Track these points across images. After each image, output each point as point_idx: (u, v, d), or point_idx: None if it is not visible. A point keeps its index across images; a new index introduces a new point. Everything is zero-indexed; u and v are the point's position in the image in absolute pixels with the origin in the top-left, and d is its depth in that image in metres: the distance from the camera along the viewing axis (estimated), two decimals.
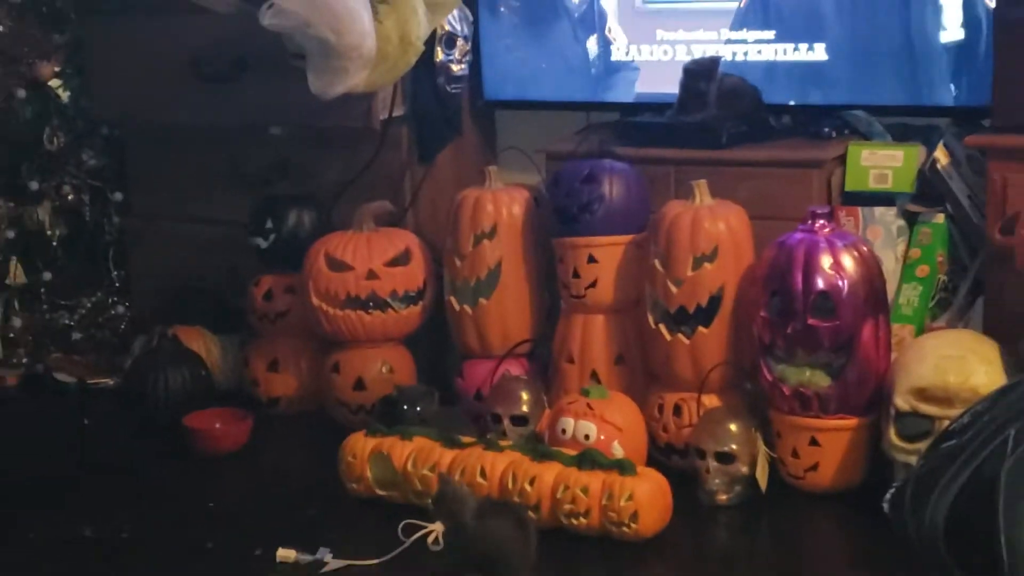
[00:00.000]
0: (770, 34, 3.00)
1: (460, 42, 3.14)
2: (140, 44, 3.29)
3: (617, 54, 3.19)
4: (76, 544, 2.47)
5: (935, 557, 1.69)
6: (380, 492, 2.55)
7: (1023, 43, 2.47)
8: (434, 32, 3.03)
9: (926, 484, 1.66)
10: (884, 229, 2.77)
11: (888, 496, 1.79)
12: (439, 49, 3.10)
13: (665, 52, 3.13)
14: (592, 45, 3.22)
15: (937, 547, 1.67)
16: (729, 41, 3.04)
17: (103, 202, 3.53)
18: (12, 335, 3.50)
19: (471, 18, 3.19)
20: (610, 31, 3.20)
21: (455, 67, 3.16)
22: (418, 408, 2.71)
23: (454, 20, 3.11)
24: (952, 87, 2.82)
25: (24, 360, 3.49)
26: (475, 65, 3.27)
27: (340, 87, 2.84)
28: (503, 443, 2.52)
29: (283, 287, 3.12)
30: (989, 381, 2.30)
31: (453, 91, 3.19)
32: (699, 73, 2.92)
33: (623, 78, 3.20)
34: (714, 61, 2.93)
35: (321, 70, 2.83)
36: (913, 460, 2.31)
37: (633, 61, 3.17)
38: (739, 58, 3.03)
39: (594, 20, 3.22)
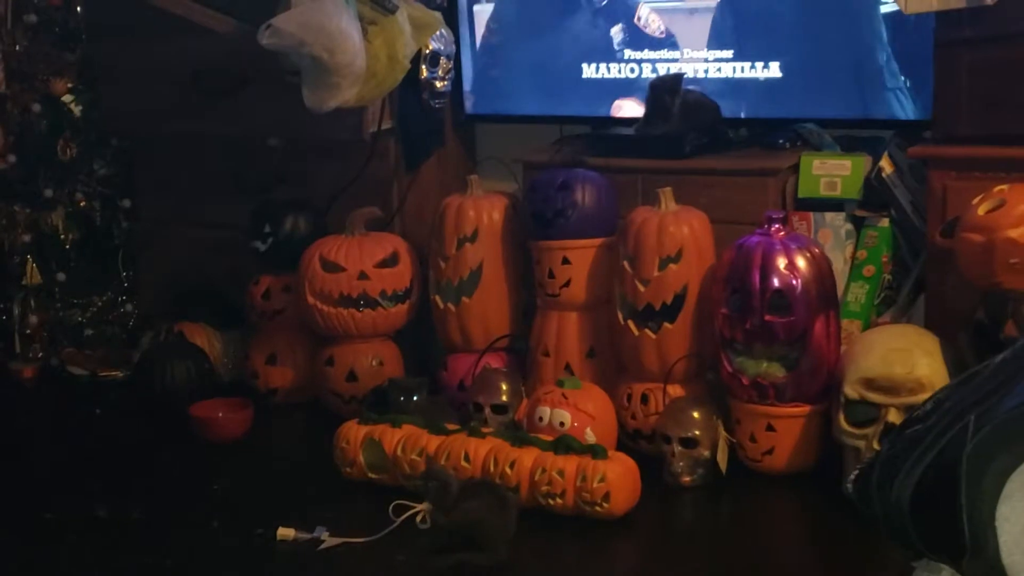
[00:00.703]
0: (729, 53, 2.99)
1: (443, 60, 3.13)
2: (147, 62, 3.27)
3: (588, 71, 3.18)
4: (90, 524, 2.45)
5: (901, 535, 1.68)
6: (372, 475, 2.54)
7: (960, 63, 2.47)
8: (419, 51, 3.02)
9: (892, 467, 1.66)
10: (834, 232, 2.77)
11: (852, 477, 1.78)
12: (424, 67, 3.08)
13: (632, 70, 3.12)
14: (567, 63, 3.21)
15: (903, 526, 1.66)
16: (692, 60, 3.03)
17: (113, 208, 3.50)
18: (29, 331, 3.46)
19: (453, 38, 3.17)
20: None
21: (439, 83, 3.14)
22: (414, 397, 2.69)
23: (438, 40, 3.09)
24: (896, 102, 2.82)
25: (40, 354, 3.46)
26: (457, 82, 3.25)
27: (333, 102, 2.83)
28: (485, 430, 2.51)
29: (280, 286, 3.10)
30: (931, 372, 2.31)
31: (437, 106, 3.18)
32: (664, 88, 2.91)
33: (594, 93, 3.19)
34: (677, 77, 2.92)
35: (315, 86, 2.81)
36: (861, 445, 2.33)
37: (603, 78, 3.16)
38: (700, 75, 3.03)
39: (569, 41, 3.21)
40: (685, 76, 2.94)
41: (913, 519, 1.65)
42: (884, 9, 2.77)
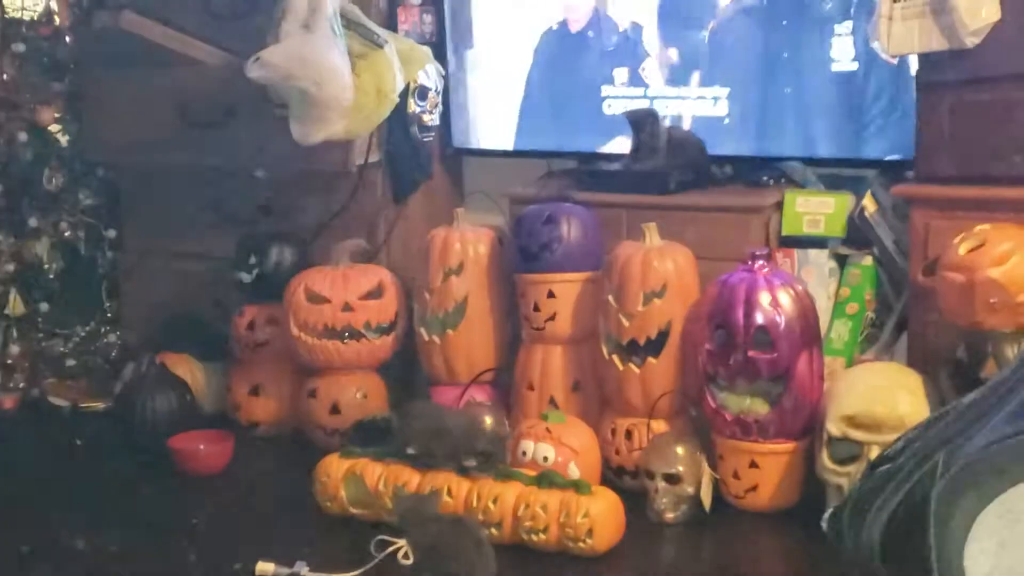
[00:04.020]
0: (720, 91, 3.02)
1: (431, 94, 3.15)
2: (134, 92, 3.27)
3: (579, 107, 3.20)
4: (68, 557, 2.43)
5: (871, 572, 1.69)
6: (353, 510, 2.53)
7: (942, 104, 2.50)
8: (407, 85, 3.04)
9: (863, 504, 1.67)
10: (817, 270, 2.79)
11: (826, 516, 1.79)
12: (412, 101, 3.10)
13: (609, 106, 3.15)
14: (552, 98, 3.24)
15: (873, 563, 1.67)
16: (679, 98, 3.06)
17: (97, 238, 3.49)
18: (10, 361, 3.45)
19: (442, 72, 3.20)
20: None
21: (426, 117, 3.16)
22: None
23: (426, 74, 3.11)
24: (879, 142, 2.85)
25: (21, 385, 3.43)
26: (445, 115, 3.27)
27: (320, 134, 2.84)
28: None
29: (265, 318, 3.10)
30: (913, 410, 2.32)
31: (424, 139, 3.20)
32: (643, 122, 2.94)
33: (582, 129, 3.21)
34: (652, 112, 2.95)
35: (303, 119, 2.83)
36: (844, 482, 2.33)
37: (596, 114, 3.19)
38: (688, 113, 3.05)
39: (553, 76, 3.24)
40: (657, 112, 2.96)
41: (883, 558, 1.67)
42: (864, 49, 2.80)
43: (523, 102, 3.27)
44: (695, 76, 3.05)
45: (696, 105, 3.05)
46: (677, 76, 3.07)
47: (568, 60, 3.19)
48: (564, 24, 3.20)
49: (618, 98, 3.14)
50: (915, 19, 2.42)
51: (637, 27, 3.10)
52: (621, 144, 3.09)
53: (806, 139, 2.94)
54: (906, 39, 2.44)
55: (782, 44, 2.92)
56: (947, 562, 1.60)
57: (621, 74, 3.13)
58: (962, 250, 2.33)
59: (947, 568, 1.59)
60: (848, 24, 2.82)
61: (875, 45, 2.58)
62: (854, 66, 2.83)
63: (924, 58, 2.51)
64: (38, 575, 2.37)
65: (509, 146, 3.31)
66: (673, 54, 3.07)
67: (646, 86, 3.10)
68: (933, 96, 2.51)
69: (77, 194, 3.47)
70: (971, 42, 2.39)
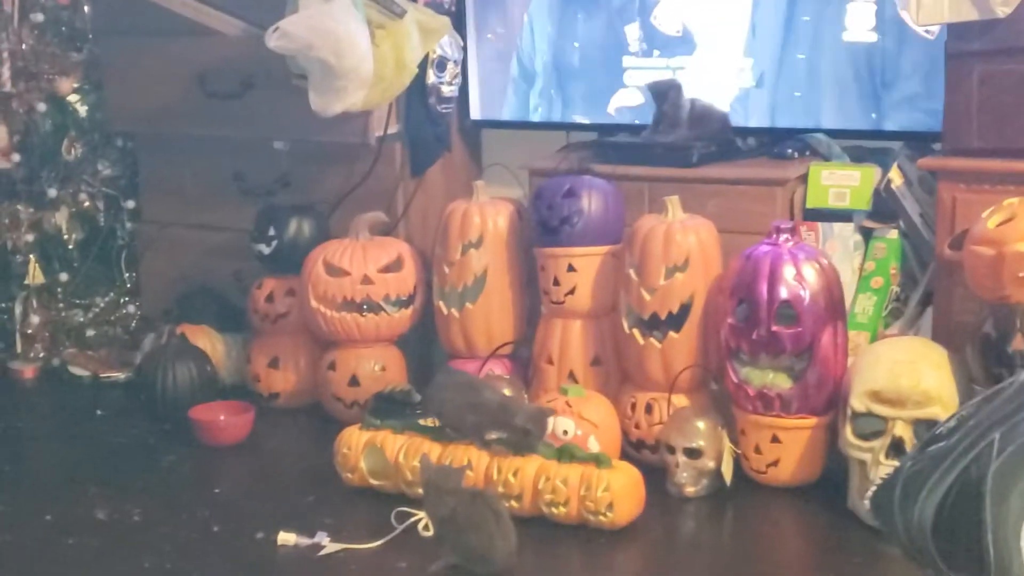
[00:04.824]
0: (745, 62, 2.99)
1: (451, 66, 3.13)
2: (153, 62, 3.26)
3: (599, 77, 3.17)
4: (90, 526, 2.45)
5: (923, 553, 1.67)
6: (373, 482, 2.53)
7: (970, 75, 2.47)
8: (426, 56, 3.02)
9: (914, 484, 1.64)
10: (842, 243, 2.77)
11: (870, 494, 1.77)
12: (431, 72, 3.08)
13: (630, 76, 3.12)
14: (578, 69, 3.21)
15: (925, 544, 1.65)
16: (706, 69, 3.03)
17: (116, 209, 3.49)
18: (30, 331, 3.46)
19: (461, 43, 3.17)
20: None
21: (445, 89, 3.14)
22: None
23: (445, 45, 3.09)
24: (906, 114, 2.82)
25: (41, 355, 3.45)
26: (464, 87, 3.25)
27: (339, 106, 2.83)
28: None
29: (284, 290, 3.09)
30: (938, 384, 2.31)
31: (443, 111, 3.17)
32: (665, 94, 2.91)
33: (602, 100, 3.19)
34: (674, 84, 2.92)
35: (322, 90, 2.81)
36: (867, 457, 2.32)
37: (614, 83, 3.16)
38: (711, 83, 3.02)
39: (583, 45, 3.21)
40: (682, 85, 2.93)
41: (935, 538, 1.65)
42: (894, 19, 2.77)
43: (541, 72, 3.24)
44: (719, 46, 3.02)
45: (719, 75, 3.02)
46: (699, 46, 3.04)
47: (579, 23, 3.15)
48: None
49: (639, 69, 3.11)
50: None
51: None
52: (643, 115, 3.06)
53: (831, 110, 2.91)
54: (935, 9, 2.40)
55: (806, 12, 2.88)
56: (1002, 540, 1.58)
57: (633, 30, 3.09)
58: (991, 224, 2.30)
59: (1002, 546, 1.58)
60: None
61: (903, 15, 2.55)
62: (877, 36, 2.79)
63: (953, 28, 2.48)
64: (60, 545, 2.38)
65: (528, 118, 3.29)
66: (695, 23, 3.04)
67: (664, 54, 3.06)
68: (962, 67, 2.48)
69: (96, 164, 3.47)
70: (1002, 12, 2.35)
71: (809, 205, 2.79)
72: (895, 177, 2.72)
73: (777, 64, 2.95)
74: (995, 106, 2.44)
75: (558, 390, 2.63)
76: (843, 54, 2.86)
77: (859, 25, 2.83)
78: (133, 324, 3.48)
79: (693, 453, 2.48)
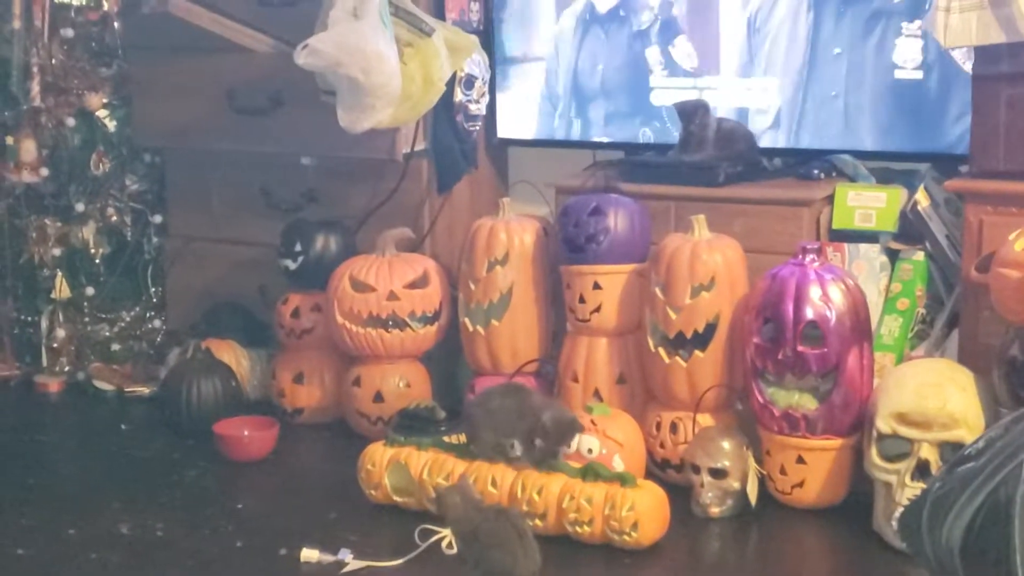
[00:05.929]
0: (771, 82, 3.00)
1: (478, 83, 3.14)
2: (182, 78, 3.29)
3: (624, 97, 3.19)
4: (113, 541, 2.46)
5: (948, 573, 1.67)
6: (397, 499, 2.54)
7: (997, 98, 2.47)
8: (454, 74, 3.04)
9: (942, 505, 1.64)
10: (868, 264, 2.77)
11: (898, 515, 1.77)
12: (458, 89, 3.10)
13: (656, 97, 3.14)
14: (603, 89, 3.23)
15: (953, 566, 1.64)
16: (731, 90, 3.04)
17: (143, 224, 3.52)
18: (56, 345, 3.49)
19: (488, 62, 3.19)
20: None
21: (472, 106, 3.16)
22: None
23: (473, 63, 3.11)
24: (933, 136, 2.82)
25: (66, 368, 3.48)
26: (491, 105, 3.27)
27: (367, 122, 2.85)
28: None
29: (309, 305, 3.11)
30: (964, 407, 2.30)
31: (470, 128, 3.19)
32: (692, 114, 2.93)
33: (627, 120, 3.20)
34: (702, 104, 2.94)
35: (350, 106, 2.83)
36: (893, 479, 2.32)
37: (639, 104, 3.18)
38: (738, 105, 3.04)
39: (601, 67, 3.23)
40: (710, 105, 2.95)
41: (963, 559, 1.64)
42: (919, 40, 2.77)
43: (568, 91, 3.26)
44: (743, 67, 3.03)
45: (744, 96, 3.03)
46: (726, 67, 3.05)
47: (603, 44, 3.17)
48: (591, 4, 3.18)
49: (665, 88, 3.13)
50: (973, 11, 2.39)
51: (667, 4, 3.08)
52: (669, 135, 3.08)
53: (857, 132, 2.91)
54: (963, 31, 2.41)
55: (831, 34, 2.90)
56: None
57: (654, 54, 3.11)
58: (1018, 246, 2.30)
59: None
60: (901, 19, 2.80)
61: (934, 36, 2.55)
62: (910, 61, 2.80)
63: (980, 51, 2.48)
64: (83, 560, 2.39)
65: (554, 136, 3.31)
66: (717, 44, 3.06)
67: (691, 75, 3.08)
68: (989, 89, 2.49)
69: (124, 179, 3.49)
70: None
71: (835, 226, 2.80)
72: (921, 199, 2.72)
73: (809, 87, 2.95)
74: (1023, 128, 2.44)
75: (583, 408, 2.64)
76: (873, 79, 2.86)
77: (887, 46, 2.84)
78: (158, 339, 3.50)
79: (718, 473, 2.48)
